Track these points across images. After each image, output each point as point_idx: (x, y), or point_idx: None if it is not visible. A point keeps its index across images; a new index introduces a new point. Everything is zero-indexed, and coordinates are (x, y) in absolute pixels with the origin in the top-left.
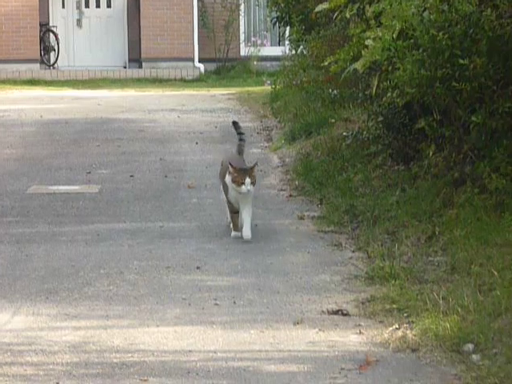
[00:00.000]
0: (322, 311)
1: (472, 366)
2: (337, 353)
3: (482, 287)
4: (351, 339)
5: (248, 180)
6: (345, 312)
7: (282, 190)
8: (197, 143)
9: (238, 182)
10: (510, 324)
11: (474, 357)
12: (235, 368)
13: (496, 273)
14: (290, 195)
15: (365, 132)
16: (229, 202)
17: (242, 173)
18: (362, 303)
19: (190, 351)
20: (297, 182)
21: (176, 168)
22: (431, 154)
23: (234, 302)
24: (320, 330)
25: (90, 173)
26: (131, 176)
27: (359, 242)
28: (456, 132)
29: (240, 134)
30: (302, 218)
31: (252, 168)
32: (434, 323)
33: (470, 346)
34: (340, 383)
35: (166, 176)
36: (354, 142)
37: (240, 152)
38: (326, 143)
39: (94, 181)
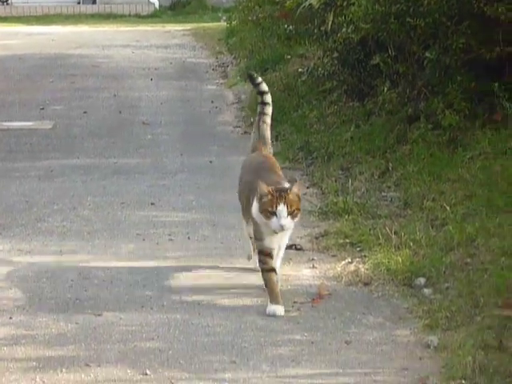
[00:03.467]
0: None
1: (423, 299)
2: (290, 287)
3: (434, 222)
4: (304, 273)
5: (283, 209)
6: (298, 247)
7: (237, 126)
8: (151, 79)
9: (267, 212)
10: (461, 258)
11: (426, 291)
12: (189, 302)
13: (448, 208)
14: (245, 132)
15: (320, 68)
16: (259, 240)
17: (276, 195)
18: (316, 238)
19: (144, 286)
20: (252, 119)
21: (130, 104)
22: (386, 90)
23: (189, 238)
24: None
25: (43, 109)
26: (85, 112)
27: (313, 178)
28: (410, 68)
29: (262, 93)
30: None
31: (290, 189)
32: (387, 257)
33: (422, 280)
34: (293, 316)
35: (120, 112)
36: (310, 79)
37: (262, 133)
38: (281, 80)
39: (48, 117)
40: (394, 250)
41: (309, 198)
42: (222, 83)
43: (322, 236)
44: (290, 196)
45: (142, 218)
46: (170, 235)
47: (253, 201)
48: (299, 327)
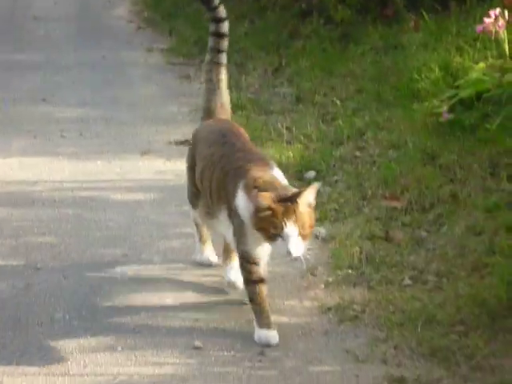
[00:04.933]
0: (169, 142)
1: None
2: (183, 181)
3: (325, 117)
4: None
5: (292, 230)
6: (191, 141)
7: (131, 21)
8: None
9: (267, 232)
10: (350, 152)
11: (316, 184)
12: (82, 197)
13: (339, 102)
14: (139, 27)
15: None
16: (244, 245)
17: (281, 211)
18: None
19: (35, 182)
20: (146, 14)
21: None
22: None
23: (81, 134)
24: (167, 159)
25: None
26: None
27: None
28: None
29: (218, 20)
30: (150, 50)
31: (300, 197)
32: (278, 152)
33: (312, 174)
34: (185, 210)
35: (13, 8)
36: None
37: (215, 63)
38: None
39: None
40: (285, 144)
41: (200, 92)
42: None
43: None
44: (301, 209)
45: (34, 114)
46: (62, 131)
47: (235, 190)
48: (190, 221)
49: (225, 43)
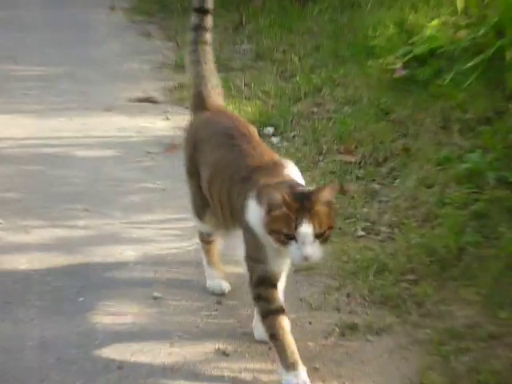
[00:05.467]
0: (131, 99)
1: (272, 147)
2: (144, 138)
3: (283, 74)
4: (158, 125)
5: (308, 230)
6: (153, 99)
7: None
8: None
9: (280, 235)
10: (308, 108)
11: (274, 139)
12: (46, 154)
13: (297, 59)
14: None
15: None
16: (258, 262)
17: (296, 207)
18: (170, 91)
19: (6, 139)
20: None
21: None
22: None
23: (47, 92)
24: (129, 116)
25: None
26: None
27: (169, 32)
28: None
29: (203, 11)
30: (113, 9)
31: (318, 194)
32: (237, 108)
33: (271, 130)
34: (147, 166)
35: None
36: None
37: (199, 43)
38: None
39: None
40: (244, 100)
41: (163, 52)
42: None
43: (176, 89)
44: (319, 207)
45: (2, 73)
46: (26, 89)
47: (245, 202)
48: (152, 176)
49: (210, 20)
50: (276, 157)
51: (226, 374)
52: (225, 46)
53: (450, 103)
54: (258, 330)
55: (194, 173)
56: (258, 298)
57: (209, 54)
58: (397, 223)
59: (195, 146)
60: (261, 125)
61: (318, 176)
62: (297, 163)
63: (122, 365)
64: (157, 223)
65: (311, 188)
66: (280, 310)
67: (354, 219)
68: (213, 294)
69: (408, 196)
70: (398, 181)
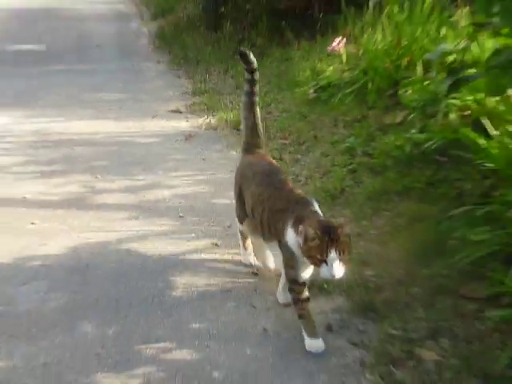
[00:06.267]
0: (168, 110)
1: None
2: (175, 131)
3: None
4: (182, 125)
5: (335, 256)
6: (180, 111)
7: (148, 46)
8: (101, 22)
9: (315, 259)
10: (263, 115)
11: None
12: (120, 140)
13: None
14: (153, 49)
15: (195, 14)
16: (292, 269)
17: (326, 240)
18: (189, 106)
19: (96, 133)
20: (157, 42)
21: (92, 35)
22: (228, 26)
23: (120, 107)
24: (166, 120)
25: (40, 38)
26: (64, 39)
27: (189, 74)
28: (240, 14)
29: (252, 71)
30: (159, 62)
31: (341, 229)
32: (225, 115)
33: (243, 127)
34: (175, 147)
35: (83, 39)
36: (187, 20)
37: (251, 104)
38: (172, 21)
39: (43, 43)
40: (229, 111)
41: (186, 85)
42: (140, 22)
43: (193, 105)
44: (342, 239)
45: (93, 97)
46: (109, 106)
47: (284, 228)
48: (178, 152)
49: (257, 88)
50: (301, 193)
51: (216, 256)
52: (219, 81)
53: (338, 111)
54: (281, 295)
55: (239, 195)
56: (291, 291)
57: (257, 112)
58: (309, 176)
59: (242, 179)
60: (237, 125)
61: (267, 152)
62: (263, 145)
63: (160, 254)
64: (181, 177)
65: (335, 222)
66: (306, 299)
67: (286, 174)
68: (245, 266)
69: (315, 162)
70: (310, 154)
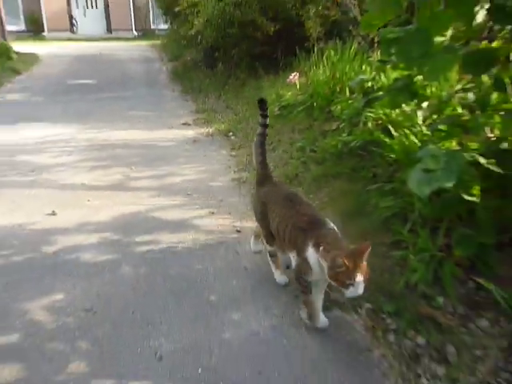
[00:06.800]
0: (180, 123)
1: (230, 141)
2: (185, 138)
3: (239, 114)
4: (189, 133)
5: (360, 278)
6: (188, 123)
7: (166, 78)
8: (134, 63)
9: (343, 283)
10: (246, 125)
11: (232, 137)
12: (147, 144)
13: (240, 107)
14: (169, 81)
15: (197, 58)
16: (304, 280)
17: (352, 266)
18: (194, 120)
19: (130, 139)
20: (172, 76)
21: (128, 72)
22: (220, 65)
23: (147, 121)
24: (179, 130)
25: (92, 75)
26: (108, 76)
27: (194, 99)
28: (228, 56)
29: (265, 116)
30: (173, 90)
31: (363, 254)
32: (219, 126)
33: (231, 133)
34: (185, 148)
35: (122, 75)
36: (192, 62)
37: (262, 143)
38: (182, 62)
39: (95, 78)
40: (221, 123)
41: (192, 106)
42: (160, 63)
43: (197, 119)
44: (364, 262)
45: (128, 114)
46: (138, 120)
47: (304, 244)
48: (187, 151)
49: (267, 131)
50: (319, 213)
51: (212, 220)
52: (215, 104)
53: (294, 122)
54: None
55: (264, 216)
56: (299, 283)
57: (265, 151)
58: (275, 165)
59: (265, 205)
60: (227, 132)
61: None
62: (244, 146)
63: (174, 219)
64: (189, 168)
65: (356, 247)
66: (309, 292)
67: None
68: (279, 285)
69: (279, 156)
70: (276, 151)
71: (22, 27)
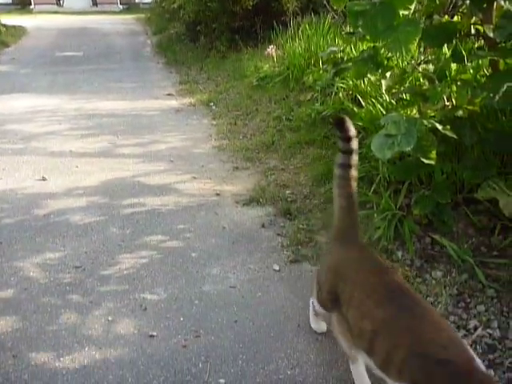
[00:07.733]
0: (164, 94)
1: (210, 110)
2: (169, 107)
3: (217, 84)
4: (173, 103)
5: None
6: (172, 94)
7: (150, 53)
8: (120, 36)
9: None
10: (224, 96)
11: (213, 107)
12: (132, 113)
13: (220, 79)
14: (154, 54)
15: (180, 31)
16: None
17: None
18: (178, 91)
19: (117, 109)
20: (157, 49)
21: (114, 45)
22: (202, 38)
23: (133, 92)
24: (163, 100)
25: (79, 47)
26: (95, 48)
27: (177, 71)
28: (210, 29)
29: (349, 139)
30: (158, 63)
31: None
32: (201, 96)
33: (212, 104)
34: (169, 117)
35: (108, 48)
36: (176, 35)
37: (347, 179)
38: (166, 36)
39: (81, 51)
40: (203, 93)
41: (176, 77)
42: (146, 36)
43: (181, 90)
44: None
45: (115, 85)
46: (126, 91)
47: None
48: (171, 120)
49: (354, 158)
50: (439, 318)
51: (194, 185)
52: (196, 75)
53: (271, 93)
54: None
55: (330, 292)
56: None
57: (354, 189)
58: (253, 134)
59: (337, 270)
60: (208, 102)
61: (228, 119)
62: (224, 115)
63: (158, 183)
64: (173, 136)
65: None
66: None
67: (239, 133)
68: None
69: (256, 125)
70: (253, 120)
71: (9, 0)
